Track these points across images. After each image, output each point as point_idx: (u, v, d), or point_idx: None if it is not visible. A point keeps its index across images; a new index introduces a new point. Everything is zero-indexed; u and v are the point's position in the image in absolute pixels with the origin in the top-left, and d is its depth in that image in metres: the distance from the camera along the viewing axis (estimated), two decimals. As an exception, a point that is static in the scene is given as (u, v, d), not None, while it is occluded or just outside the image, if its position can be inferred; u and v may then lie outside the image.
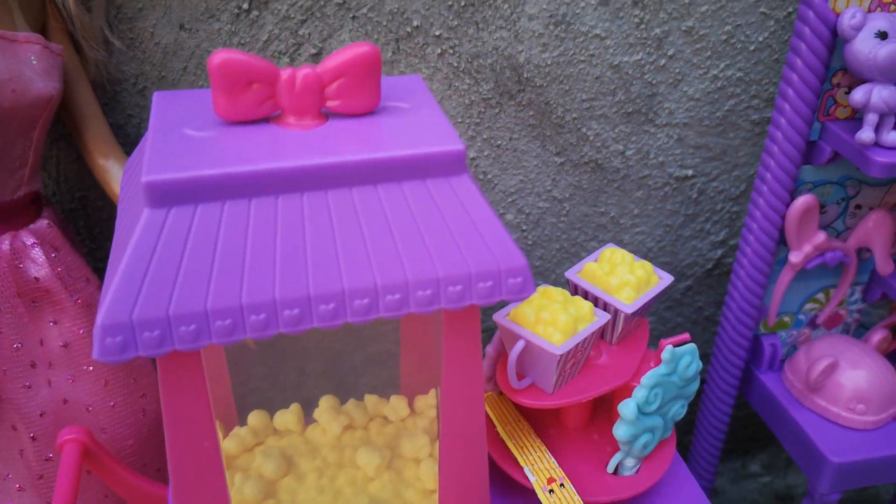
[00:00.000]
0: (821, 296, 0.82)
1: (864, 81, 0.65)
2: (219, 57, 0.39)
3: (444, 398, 0.49)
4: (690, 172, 0.85)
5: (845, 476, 0.75)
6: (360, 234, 0.40)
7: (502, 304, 0.73)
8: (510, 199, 0.83)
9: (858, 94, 0.64)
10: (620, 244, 0.88)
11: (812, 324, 0.84)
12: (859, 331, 0.87)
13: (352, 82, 0.42)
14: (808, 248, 0.75)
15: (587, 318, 0.55)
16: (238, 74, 0.40)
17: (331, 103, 0.43)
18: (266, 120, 0.43)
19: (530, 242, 0.86)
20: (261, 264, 0.39)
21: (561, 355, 0.53)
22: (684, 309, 0.96)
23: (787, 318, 0.83)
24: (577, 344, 0.54)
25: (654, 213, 0.87)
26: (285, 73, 0.41)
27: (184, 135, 0.41)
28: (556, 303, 0.55)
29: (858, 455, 0.74)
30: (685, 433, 1.10)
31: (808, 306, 0.82)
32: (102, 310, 0.37)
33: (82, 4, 0.62)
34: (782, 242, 0.76)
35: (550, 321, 0.54)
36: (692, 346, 0.57)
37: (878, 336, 0.81)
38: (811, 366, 0.77)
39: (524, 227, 0.85)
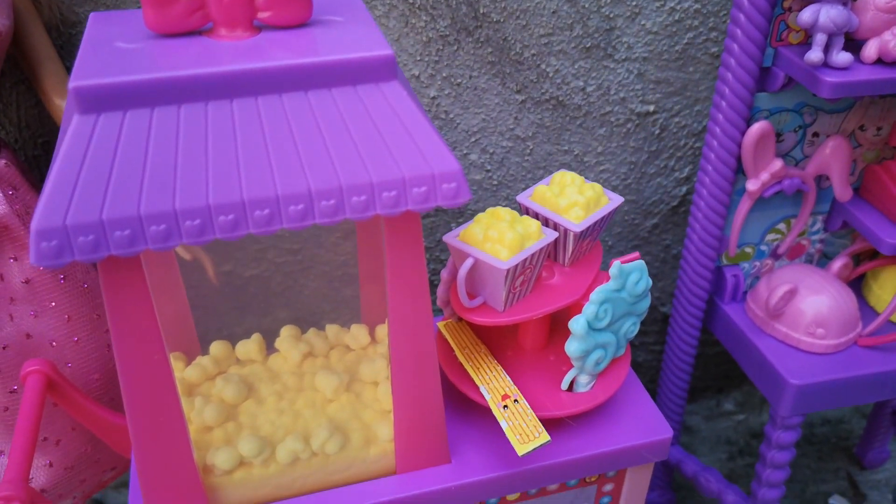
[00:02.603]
0: (782, 226, 0.83)
1: (813, 2, 0.66)
2: (145, -33, 0.40)
3: (392, 312, 0.50)
4: (652, 108, 0.85)
5: (805, 398, 0.76)
6: (291, 140, 0.41)
7: (450, 222, 0.74)
8: (473, 139, 0.84)
9: (806, 15, 0.65)
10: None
11: (774, 254, 0.85)
12: (823, 261, 0.88)
13: (281, -8, 0.42)
14: (765, 176, 0.76)
15: (534, 236, 0.56)
16: (165, -16, 0.40)
17: (262, 15, 0.43)
18: (199, 33, 0.43)
19: (496, 182, 0.87)
20: (193, 170, 0.39)
21: (508, 270, 0.54)
22: (652, 247, 0.97)
23: (749, 250, 0.84)
24: (525, 260, 0.55)
25: (618, 151, 0.88)
26: (213, -16, 0.41)
27: (114, 47, 0.41)
28: (503, 221, 0.56)
29: (818, 377, 0.76)
30: (655, 373, 1.12)
31: (770, 237, 0.83)
32: (36, 215, 0.38)
33: (31, -56, 0.62)
34: (740, 172, 0.77)
35: (497, 239, 0.55)
36: (640, 262, 0.58)
37: (838, 263, 0.82)
38: (771, 293, 0.78)
39: (488, 167, 0.86)
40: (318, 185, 0.41)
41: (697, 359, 1.13)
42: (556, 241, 0.60)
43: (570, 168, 0.88)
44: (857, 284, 0.88)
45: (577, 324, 0.57)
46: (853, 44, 0.68)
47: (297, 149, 0.41)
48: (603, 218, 0.60)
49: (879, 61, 0.67)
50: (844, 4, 0.65)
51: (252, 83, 0.40)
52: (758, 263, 0.85)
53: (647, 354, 1.10)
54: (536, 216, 0.60)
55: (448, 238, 0.57)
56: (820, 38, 0.65)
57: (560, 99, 0.82)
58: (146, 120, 0.39)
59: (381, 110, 0.42)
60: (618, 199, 0.61)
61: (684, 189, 0.93)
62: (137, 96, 0.39)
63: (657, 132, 0.87)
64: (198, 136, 0.40)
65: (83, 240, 0.38)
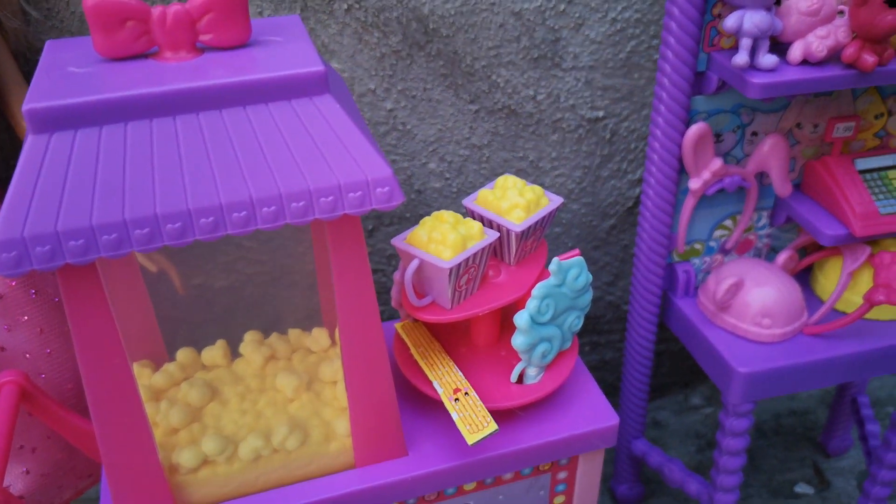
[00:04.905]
0: (728, 222, 0.87)
1: (737, 9, 0.70)
2: (92, -2, 0.43)
3: (340, 310, 0.53)
4: (601, 114, 0.89)
5: (753, 386, 0.79)
6: (232, 152, 0.44)
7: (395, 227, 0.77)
8: (431, 149, 0.87)
9: (731, 21, 0.69)
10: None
11: (723, 250, 0.88)
12: (771, 255, 0.92)
13: (220, 16, 0.46)
14: (706, 175, 0.79)
15: (477, 237, 0.60)
16: (111, 13, 0.44)
17: (204, 37, 0.47)
18: (146, 56, 0.47)
19: (455, 190, 0.91)
20: (140, 183, 0.43)
21: (451, 269, 0.57)
22: (611, 248, 1.01)
23: (698, 246, 0.87)
24: (467, 259, 0.58)
25: (572, 156, 0.91)
26: (156, 11, 0.45)
27: (66, 71, 0.45)
28: (446, 224, 0.60)
29: (765, 365, 0.79)
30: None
31: (718, 233, 0.87)
32: (-4, 228, 0.41)
33: (-4, -23, 0.65)
34: (683, 172, 0.81)
35: (441, 240, 0.58)
36: (580, 258, 0.61)
37: (783, 256, 0.86)
38: (717, 286, 0.82)
39: (448, 175, 0.89)
40: (259, 194, 0.44)
41: (664, 355, 1.16)
42: (500, 242, 0.63)
43: (525, 173, 0.91)
44: (806, 276, 0.91)
45: (520, 318, 0.60)
46: (780, 46, 0.72)
47: (238, 160, 0.44)
48: (543, 218, 0.63)
49: (805, 62, 0.71)
50: (768, 10, 0.69)
51: (193, 100, 0.44)
52: (708, 259, 0.89)
53: (613, 352, 1.13)
54: (481, 218, 0.63)
55: (395, 241, 0.60)
56: (745, 43, 0.69)
57: (512, 108, 0.86)
58: (95, 137, 0.42)
59: (315, 122, 0.46)
60: (557, 200, 0.65)
61: (638, 190, 0.97)
62: (86, 116, 0.42)
63: (608, 136, 0.91)
64: (144, 151, 0.43)
65: (40, 250, 0.41)
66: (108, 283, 0.47)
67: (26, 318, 0.66)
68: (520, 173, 0.91)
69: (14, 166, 0.77)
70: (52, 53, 0.48)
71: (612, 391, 1.16)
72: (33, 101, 0.41)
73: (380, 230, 0.92)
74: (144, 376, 0.64)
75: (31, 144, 0.42)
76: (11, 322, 0.65)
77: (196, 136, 0.44)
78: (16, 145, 0.76)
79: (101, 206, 0.42)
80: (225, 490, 0.59)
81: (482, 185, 0.91)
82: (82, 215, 0.42)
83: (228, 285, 0.86)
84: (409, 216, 0.91)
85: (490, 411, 0.61)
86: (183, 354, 0.66)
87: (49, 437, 0.68)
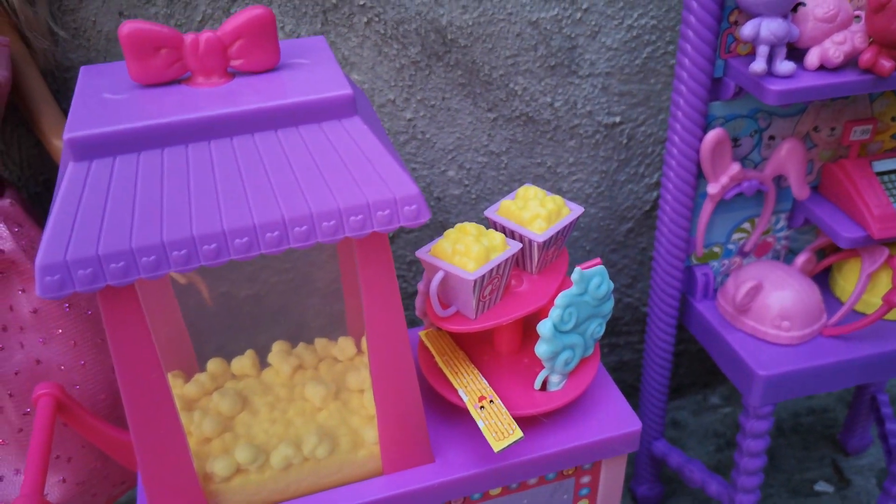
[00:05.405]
0: (747, 225, 0.87)
1: (754, 16, 0.70)
2: (127, 27, 0.45)
3: (369, 323, 0.54)
4: (618, 119, 0.90)
5: (773, 388, 0.80)
6: (265, 175, 0.46)
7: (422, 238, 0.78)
8: (450, 157, 0.88)
9: (748, 29, 0.69)
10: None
11: (742, 252, 0.89)
12: (789, 256, 0.92)
13: (250, 42, 0.47)
14: (724, 180, 0.80)
15: (500, 248, 0.61)
16: (145, 41, 0.45)
17: (235, 62, 0.48)
18: (178, 82, 0.48)
19: (474, 196, 0.92)
20: (177, 206, 0.44)
21: (475, 280, 0.58)
22: (628, 251, 1.02)
23: (717, 249, 0.88)
24: (491, 270, 0.59)
25: (589, 161, 0.92)
26: (189, 38, 0.46)
27: (103, 98, 0.46)
28: (470, 236, 0.61)
29: (785, 367, 0.80)
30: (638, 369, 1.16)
31: (736, 236, 0.88)
32: (40, 253, 0.42)
33: (26, -1, 0.67)
34: (701, 177, 0.82)
35: (465, 252, 0.59)
36: (601, 267, 0.62)
37: (802, 258, 0.87)
38: (737, 289, 0.82)
39: (466, 182, 0.91)
40: (291, 214, 0.46)
41: (682, 355, 1.17)
42: (522, 251, 0.64)
43: (543, 179, 0.92)
44: (825, 277, 0.92)
45: (544, 327, 0.61)
46: (797, 52, 0.73)
47: (271, 182, 0.46)
48: (565, 227, 0.64)
49: (822, 68, 0.72)
50: (784, 17, 0.70)
51: (227, 126, 0.45)
52: (726, 262, 0.89)
53: (632, 353, 1.14)
54: (503, 229, 0.64)
55: (420, 253, 0.62)
56: (763, 50, 0.69)
57: (530, 115, 0.87)
58: (134, 163, 0.44)
59: (344, 144, 0.47)
60: (578, 209, 0.66)
61: (655, 194, 0.97)
62: (125, 143, 0.43)
63: (625, 141, 0.92)
64: (180, 176, 0.44)
65: (82, 273, 0.43)
66: (142, 298, 0.49)
67: (60, 331, 0.68)
68: (538, 179, 0.92)
69: (45, 181, 0.79)
70: (87, 79, 0.50)
71: (632, 392, 1.17)
72: (73, 130, 0.43)
73: (400, 237, 0.93)
74: (177, 386, 0.66)
75: (72, 171, 0.43)
76: (46, 335, 0.67)
77: (230, 160, 0.45)
78: (45, 160, 0.78)
79: (141, 230, 0.43)
80: (257, 498, 0.60)
81: (501, 191, 0.92)
82: (122, 239, 0.43)
83: (253, 294, 0.87)
84: (429, 223, 0.93)
85: (515, 418, 0.62)
86: (213, 364, 0.68)
87: (84, 447, 0.70)
